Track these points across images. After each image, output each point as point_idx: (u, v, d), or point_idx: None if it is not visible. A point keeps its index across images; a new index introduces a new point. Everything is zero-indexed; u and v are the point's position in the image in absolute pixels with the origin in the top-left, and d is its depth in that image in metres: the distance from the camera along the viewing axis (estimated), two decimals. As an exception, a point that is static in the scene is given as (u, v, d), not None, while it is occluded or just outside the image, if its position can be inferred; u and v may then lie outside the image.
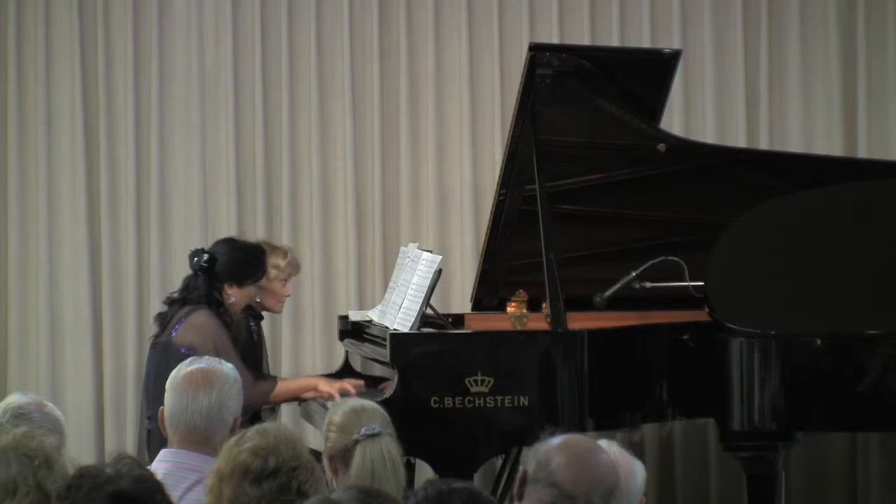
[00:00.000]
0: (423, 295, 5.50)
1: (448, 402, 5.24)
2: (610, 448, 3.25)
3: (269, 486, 3.10)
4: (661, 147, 5.92)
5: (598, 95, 5.82)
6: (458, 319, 6.28)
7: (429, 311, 5.62)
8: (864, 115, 7.30)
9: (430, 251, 5.75)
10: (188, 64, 7.30)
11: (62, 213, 7.26)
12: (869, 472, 7.19)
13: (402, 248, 6.14)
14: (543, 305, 5.55)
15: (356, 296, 7.22)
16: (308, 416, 6.07)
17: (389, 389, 5.33)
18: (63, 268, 7.25)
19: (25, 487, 3.05)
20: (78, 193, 7.24)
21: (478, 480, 6.17)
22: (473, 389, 5.26)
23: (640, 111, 5.92)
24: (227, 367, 3.81)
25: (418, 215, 7.31)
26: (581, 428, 5.22)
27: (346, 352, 6.41)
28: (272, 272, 6.11)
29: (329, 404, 5.54)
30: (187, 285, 5.86)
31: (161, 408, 3.77)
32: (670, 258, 5.98)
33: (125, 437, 7.17)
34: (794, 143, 7.29)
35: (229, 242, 6.03)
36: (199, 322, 5.71)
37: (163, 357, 5.64)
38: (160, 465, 3.60)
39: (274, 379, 6.01)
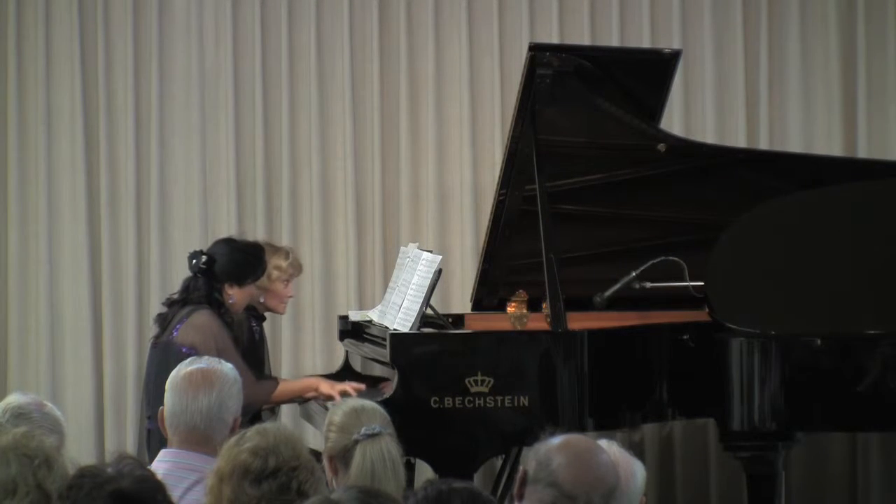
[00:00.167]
0: (423, 295, 5.50)
1: (448, 402, 5.25)
2: (610, 448, 3.25)
3: (269, 486, 3.10)
4: (661, 147, 5.93)
5: (598, 95, 5.82)
6: (458, 319, 6.28)
7: (429, 311, 5.62)
8: (864, 115, 7.30)
9: (430, 251, 5.75)
10: (188, 64, 7.31)
11: (62, 213, 7.26)
12: (869, 473, 7.19)
13: (402, 248, 6.14)
14: (543, 305, 5.55)
15: (356, 296, 7.22)
16: (308, 416, 6.07)
17: (389, 389, 5.33)
18: (63, 268, 7.25)
19: (25, 487, 3.05)
20: (78, 193, 7.24)
21: (478, 480, 6.17)
22: (473, 389, 5.26)
23: (640, 111, 5.92)
24: (227, 367, 3.81)
25: (418, 215, 7.31)
26: (581, 428, 5.22)
27: (346, 352, 6.41)
28: (274, 273, 6.11)
29: (329, 404, 5.54)
30: (187, 286, 5.86)
31: (161, 408, 3.77)
32: (670, 258, 5.98)
33: (125, 437, 7.17)
34: (794, 143, 7.29)
35: (228, 242, 6.03)
36: (200, 322, 5.70)
37: (163, 357, 5.64)
38: (160, 465, 3.60)
39: (275, 379, 6.01)
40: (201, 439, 3.67)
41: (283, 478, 3.10)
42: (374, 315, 6.14)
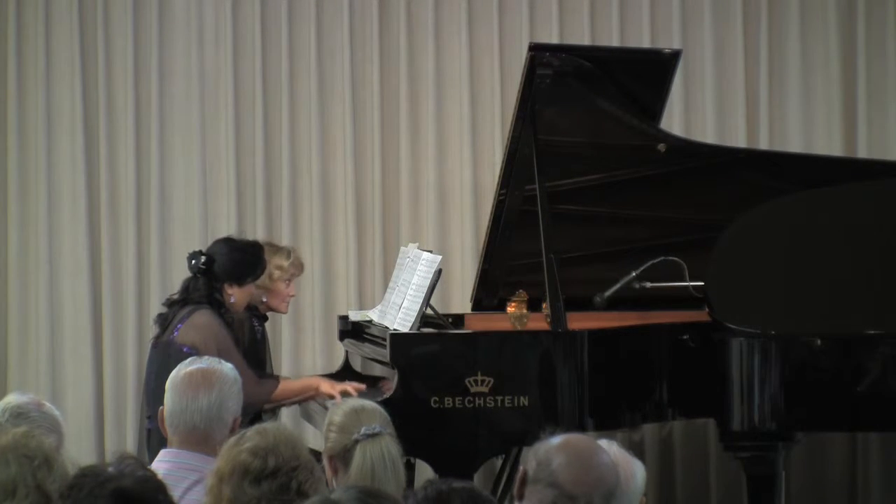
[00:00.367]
0: (423, 295, 5.50)
1: (448, 402, 5.25)
2: (610, 448, 3.25)
3: (269, 486, 3.09)
4: (661, 147, 5.93)
5: (598, 95, 5.82)
6: (458, 319, 6.28)
7: (429, 311, 5.62)
8: (864, 115, 7.30)
9: (430, 251, 5.75)
10: (188, 64, 7.31)
11: (62, 213, 7.26)
12: (869, 473, 7.19)
13: (402, 248, 6.14)
14: (543, 305, 5.55)
15: (356, 296, 7.22)
16: (308, 416, 6.07)
17: (389, 389, 5.33)
18: (63, 268, 7.25)
19: (25, 489, 3.04)
20: (78, 193, 7.24)
21: (478, 480, 6.17)
22: (473, 389, 5.26)
23: (640, 111, 5.92)
24: (227, 367, 3.81)
25: (418, 215, 7.31)
26: (581, 428, 5.22)
27: (346, 352, 6.41)
28: (276, 273, 6.12)
29: (329, 404, 5.54)
30: (187, 287, 5.86)
31: (161, 408, 3.77)
32: (670, 258, 5.98)
33: (125, 437, 7.17)
34: (794, 143, 7.29)
35: (227, 242, 6.02)
36: (201, 321, 5.70)
37: (164, 357, 5.64)
38: (160, 465, 3.60)
39: (276, 379, 6.01)
40: (201, 439, 3.66)
41: (283, 478, 3.10)
42: (374, 315, 6.14)
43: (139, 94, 7.27)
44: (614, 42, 7.24)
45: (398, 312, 5.63)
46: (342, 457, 3.67)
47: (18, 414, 3.70)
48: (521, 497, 3.05)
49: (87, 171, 7.25)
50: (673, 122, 7.00)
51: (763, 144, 7.27)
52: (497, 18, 7.31)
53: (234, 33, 7.29)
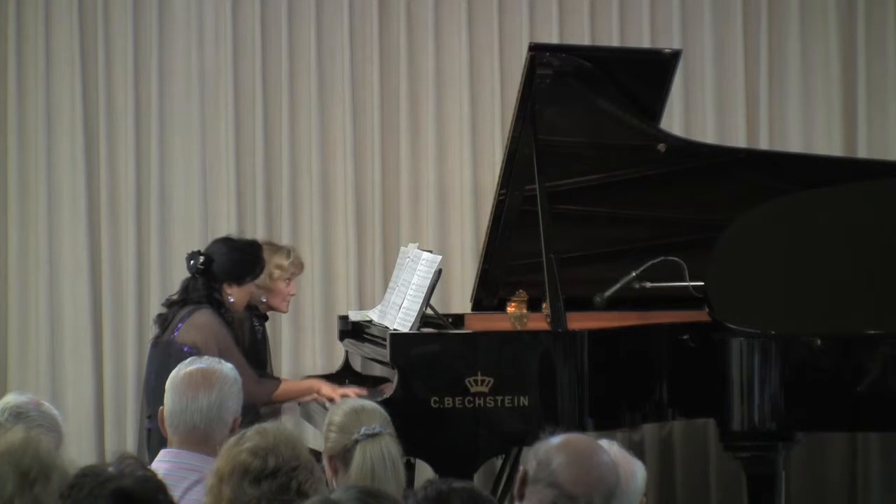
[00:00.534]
0: (423, 295, 5.50)
1: (448, 402, 5.25)
2: (610, 448, 3.25)
3: (269, 485, 3.09)
4: (661, 147, 5.93)
5: (598, 95, 5.82)
6: (458, 319, 6.28)
7: (429, 311, 5.62)
8: (864, 115, 7.30)
9: (430, 251, 5.75)
10: (188, 64, 7.30)
11: (62, 213, 7.26)
12: (869, 473, 7.19)
13: (402, 248, 6.14)
14: (543, 305, 5.55)
15: (356, 296, 7.22)
16: (308, 416, 6.07)
17: (389, 389, 5.33)
18: (63, 268, 7.25)
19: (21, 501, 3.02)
20: (78, 193, 7.24)
21: (478, 480, 6.17)
22: (473, 389, 5.26)
23: (640, 111, 5.92)
24: (227, 367, 3.81)
25: (418, 215, 7.31)
26: (581, 428, 5.22)
27: (346, 352, 6.41)
28: (276, 272, 6.12)
29: (329, 404, 5.54)
30: (186, 287, 5.86)
31: (161, 407, 3.77)
32: (670, 258, 5.98)
33: (125, 437, 7.17)
34: (794, 143, 7.29)
35: (225, 242, 6.02)
36: (201, 321, 5.71)
37: (164, 356, 5.64)
38: (160, 465, 3.60)
39: (277, 379, 6.02)
40: (201, 439, 3.67)
41: (283, 478, 3.10)
42: (374, 315, 6.14)
43: (139, 94, 7.27)
44: (614, 42, 7.24)
45: (398, 312, 5.63)
46: (342, 457, 3.67)
47: (18, 413, 3.70)
48: (521, 497, 3.05)
49: (87, 171, 7.25)
50: (673, 122, 7.00)
51: (763, 144, 7.27)
52: (497, 18, 7.31)
53: (234, 33, 7.29)
